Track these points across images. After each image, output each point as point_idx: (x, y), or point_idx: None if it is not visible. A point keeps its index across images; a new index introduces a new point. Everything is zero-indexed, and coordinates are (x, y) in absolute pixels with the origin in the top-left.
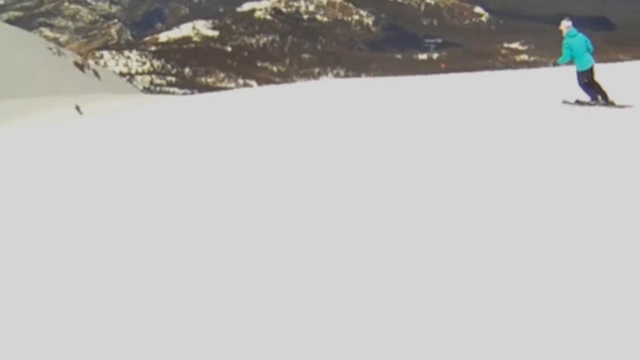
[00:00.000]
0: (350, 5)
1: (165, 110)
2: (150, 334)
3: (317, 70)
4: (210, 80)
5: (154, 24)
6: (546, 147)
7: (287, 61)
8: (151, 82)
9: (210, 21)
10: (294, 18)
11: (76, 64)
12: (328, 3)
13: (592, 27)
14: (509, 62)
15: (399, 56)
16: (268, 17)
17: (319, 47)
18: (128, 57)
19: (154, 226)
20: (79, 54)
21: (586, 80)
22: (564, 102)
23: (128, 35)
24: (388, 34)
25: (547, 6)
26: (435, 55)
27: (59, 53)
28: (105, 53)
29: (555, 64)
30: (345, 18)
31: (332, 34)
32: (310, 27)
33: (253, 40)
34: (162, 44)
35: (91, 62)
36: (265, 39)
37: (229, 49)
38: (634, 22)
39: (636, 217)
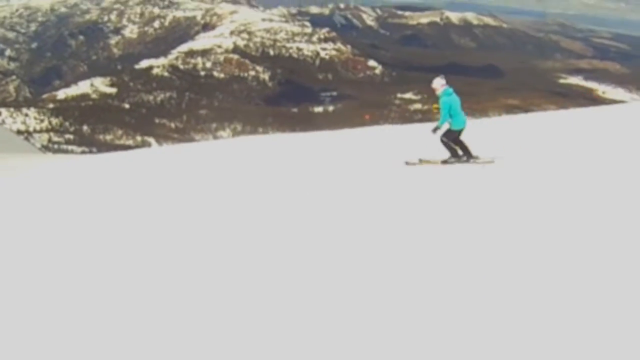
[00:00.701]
0: (247, 61)
1: (63, 173)
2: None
3: (214, 125)
4: (108, 137)
5: (52, 81)
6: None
7: (185, 117)
8: (49, 140)
9: (108, 78)
10: (191, 75)
11: None
12: (225, 59)
13: (482, 75)
14: (403, 111)
15: (295, 110)
16: (165, 74)
17: (216, 103)
18: (26, 115)
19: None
20: None
21: (452, 139)
22: (407, 163)
23: (26, 92)
24: (284, 89)
25: (437, 58)
26: (330, 108)
27: None
28: (3, 110)
29: (436, 130)
30: (242, 74)
31: (229, 90)
32: (207, 84)
33: (151, 97)
34: (60, 101)
35: None
36: (162, 95)
37: (127, 105)
38: (519, 69)
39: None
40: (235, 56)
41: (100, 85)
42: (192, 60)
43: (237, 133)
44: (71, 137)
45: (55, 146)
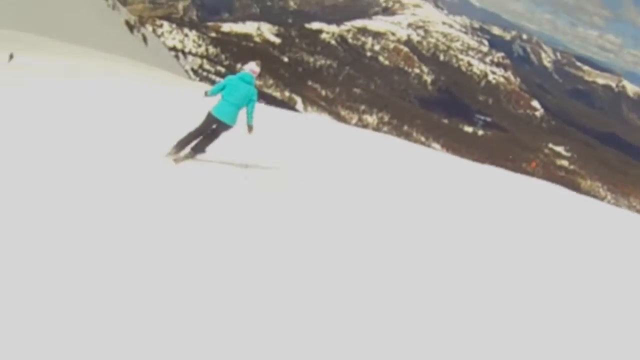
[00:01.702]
0: (415, 58)
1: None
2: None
3: (363, 107)
4: (258, 82)
5: (221, 12)
6: None
7: (337, 89)
8: (200, 66)
9: (276, 27)
10: (357, 52)
11: (127, 23)
12: (394, 48)
13: None
14: (549, 163)
15: (445, 121)
16: (333, 42)
17: (372, 87)
18: (186, 35)
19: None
20: (140, 16)
21: (203, 120)
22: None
23: (193, 14)
24: (442, 97)
25: (601, 122)
26: (480, 132)
27: (114, 7)
28: (166, 24)
29: (205, 94)
30: (406, 68)
31: (389, 79)
32: (370, 66)
33: (311, 59)
34: (223, 33)
35: (149, 27)
36: (323, 61)
37: (286, 59)
38: None
39: None
40: (405, 49)
41: (267, 31)
42: (363, 38)
43: (382, 123)
44: (222, 70)
45: (204, 73)
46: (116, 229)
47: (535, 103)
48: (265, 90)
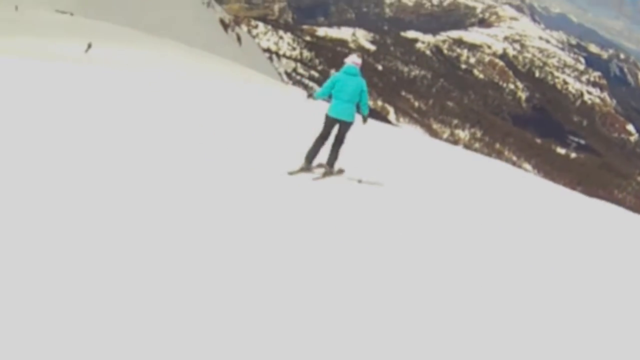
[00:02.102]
0: (510, 73)
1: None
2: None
3: (455, 121)
4: None
5: (316, 16)
6: None
7: (431, 102)
8: (294, 69)
9: (372, 34)
10: (451, 63)
11: (221, 21)
12: (489, 62)
13: None
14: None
15: (538, 140)
16: (428, 52)
17: (466, 101)
18: (281, 37)
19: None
20: (235, 16)
21: (324, 123)
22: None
23: (289, 17)
24: (535, 115)
25: None
26: (573, 155)
27: (209, 5)
28: (261, 25)
29: (309, 97)
30: (500, 83)
31: (482, 93)
32: (464, 79)
33: (406, 69)
34: (318, 37)
35: (244, 27)
36: (417, 72)
37: (380, 67)
38: None
39: None
40: (501, 63)
41: (362, 38)
42: (458, 50)
43: (474, 138)
44: (316, 74)
45: (298, 77)
46: (224, 234)
47: (630, 127)
48: None
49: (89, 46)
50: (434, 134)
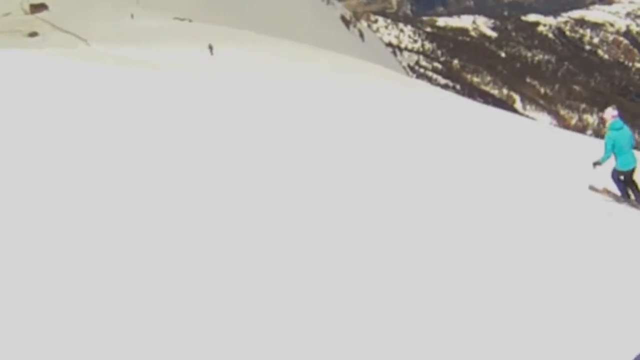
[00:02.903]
0: (635, 50)
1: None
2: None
3: (583, 106)
4: (475, 79)
5: (435, 6)
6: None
7: (557, 87)
8: (417, 62)
9: (492, 21)
10: (575, 45)
11: (343, 18)
12: (613, 41)
13: None
14: None
15: None
16: (550, 35)
17: (592, 84)
18: (401, 30)
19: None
20: (354, 11)
21: (622, 178)
22: (591, 187)
23: (407, 9)
24: None
25: None
26: None
27: (328, 2)
28: (381, 19)
29: (595, 165)
30: (626, 62)
31: (609, 74)
32: (589, 60)
33: (529, 54)
34: (439, 28)
35: (363, 23)
36: (541, 56)
37: (503, 54)
38: None
39: None
40: (625, 40)
41: (482, 25)
42: (581, 31)
43: (603, 122)
44: (439, 66)
45: (421, 70)
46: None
47: None
48: (483, 87)
49: (211, 48)
50: (562, 120)
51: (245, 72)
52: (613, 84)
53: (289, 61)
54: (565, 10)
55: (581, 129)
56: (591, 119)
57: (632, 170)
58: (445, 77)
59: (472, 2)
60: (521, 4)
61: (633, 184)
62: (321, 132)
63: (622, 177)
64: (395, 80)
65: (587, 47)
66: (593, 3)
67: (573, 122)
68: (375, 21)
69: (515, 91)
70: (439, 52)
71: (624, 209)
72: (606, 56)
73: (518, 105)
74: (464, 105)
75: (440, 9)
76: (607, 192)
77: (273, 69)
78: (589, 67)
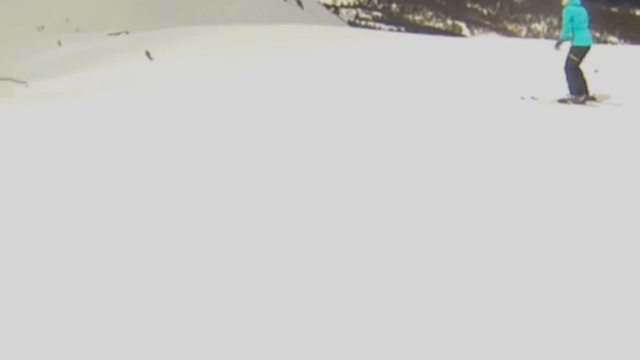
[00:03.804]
0: None
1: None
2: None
3: (529, 16)
4: (417, 18)
5: None
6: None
7: (498, 4)
8: (356, 16)
9: None
10: None
11: None
12: None
13: None
14: None
15: (614, 10)
16: None
17: None
18: None
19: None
20: None
21: (577, 61)
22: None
23: None
24: None
25: None
26: None
27: None
28: None
29: (558, 45)
30: None
31: None
32: None
33: None
34: None
35: None
36: None
37: None
38: None
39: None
40: None
41: None
42: None
43: (552, 27)
44: (379, 14)
45: (363, 22)
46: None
47: None
48: (427, 23)
49: (148, 54)
50: (512, 34)
51: (185, 71)
52: None
53: (229, 46)
54: None
55: (533, 38)
56: (539, 26)
57: (589, 48)
58: (387, 23)
59: None
60: None
61: (582, 74)
62: (269, 111)
63: (579, 59)
64: (336, 34)
65: None
66: None
67: (523, 34)
68: None
69: (460, 19)
70: (375, 1)
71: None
72: None
73: (466, 32)
74: (409, 41)
75: None
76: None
77: (212, 59)
78: None
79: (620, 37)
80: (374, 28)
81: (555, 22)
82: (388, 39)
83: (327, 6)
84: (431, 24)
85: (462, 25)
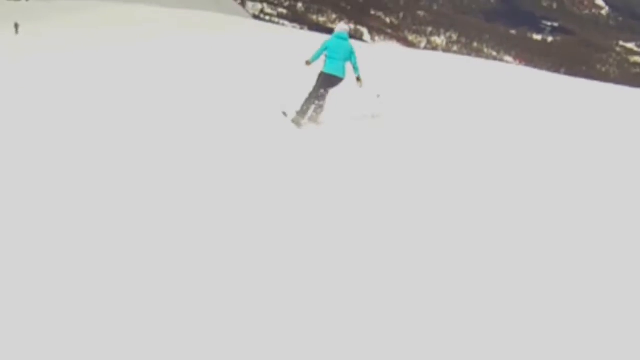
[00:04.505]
0: None
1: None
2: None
3: (430, 29)
4: (322, 19)
5: None
6: None
7: (402, 15)
8: (262, 11)
9: None
10: None
11: None
12: None
13: None
14: (623, 61)
15: (513, 32)
16: None
17: (435, 7)
18: None
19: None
20: None
21: (322, 91)
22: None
23: None
24: (504, 8)
25: None
26: (549, 39)
27: None
28: None
29: (307, 63)
30: None
31: None
32: None
33: None
34: None
35: None
36: None
37: None
38: None
39: None
40: None
41: None
42: None
43: (451, 42)
44: (284, 11)
45: (267, 18)
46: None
47: (599, 1)
48: (330, 25)
49: (17, 26)
50: (411, 45)
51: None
52: (455, 5)
53: (128, 24)
54: None
55: (431, 50)
56: (439, 40)
57: (333, 79)
58: (291, 20)
59: None
60: None
61: (322, 97)
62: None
63: (321, 90)
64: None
65: None
66: None
67: (422, 45)
68: None
69: (362, 24)
70: None
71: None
72: None
73: (366, 37)
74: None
75: None
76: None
77: (87, 38)
78: None
79: (515, 57)
80: (278, 24)
81: (454, 38)
82: (281, 34)
83: None
84: (334, 25)
85: (364, 30)
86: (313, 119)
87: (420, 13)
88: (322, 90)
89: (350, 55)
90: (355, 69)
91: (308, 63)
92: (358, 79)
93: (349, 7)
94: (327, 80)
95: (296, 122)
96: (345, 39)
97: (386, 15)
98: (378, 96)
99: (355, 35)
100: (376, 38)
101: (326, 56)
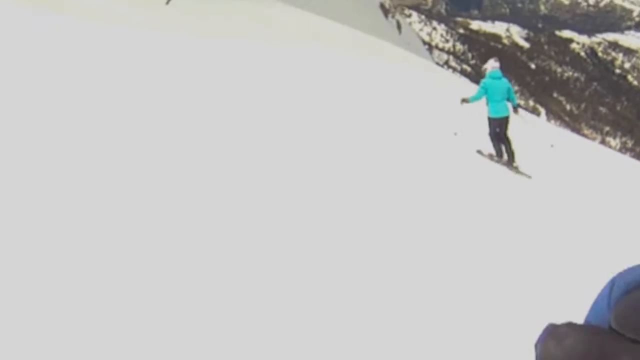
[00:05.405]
0: None
1: None
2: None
3: (607, 128)
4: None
5: (470, 8)
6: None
7: (583, 106)
8: (446, 62)
9: (526, 31)
10: (605, 67)
11: (382, 6)
12: None
13: None
14: None
15: None
16: (582, 53)
17: (618, 108)
18: (434, 29)
19: None
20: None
21: (495, 129)
22: (478, 152)
23: (442, 8)
24: None
25: None
26: None
27: None
28: (414, 14)
29: (463, 101)
30: None
31: (636, 101)
32: (618, 84)
33: (559, 69)
34: (472, 31)
35: (398, 16)
36: (570, 73)
37: (533, 66)
38: None
39: None
40: None
41: (516, 34)
42: (613, 53)
43: (625, 148)
44: (468, 68)
45: (449, 70)
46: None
47: None
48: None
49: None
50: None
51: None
52: (639, 111)
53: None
54: (600, 32)
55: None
56: (613, 142)
57: (501, 120)
58: (473, 80)
59: (507, 10)
60: (556, 19)
61: (507, 141)
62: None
63: (496, 129)
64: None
65: (618, 71)
66: (629, 28)
67: (596, 142)
68: (409, 15)
69: (542, 104)
70: (470, 55)
71: (495, 167)
72: (635, 82)
73: (542, 117)
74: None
75: (475, 11)
76: (490, 156)
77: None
78: (617, 91)
79: None
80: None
81: (630, 144)
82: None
83: (424, 42)
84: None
85: (542, 110)
86: (510, 163)
87: (602, 109)
88: (497, 130)
89: (508, 92)
90: (513, 100)
91: (466, 101)
92: (515, 109)
93: (533, 83)
94: (496, 122)
95: (499, 162)
96: (499, 78)
97: (567, 102)
98: (552, 146)
99: (533, 113)
100: (552, 121)
101: (487, 99)
